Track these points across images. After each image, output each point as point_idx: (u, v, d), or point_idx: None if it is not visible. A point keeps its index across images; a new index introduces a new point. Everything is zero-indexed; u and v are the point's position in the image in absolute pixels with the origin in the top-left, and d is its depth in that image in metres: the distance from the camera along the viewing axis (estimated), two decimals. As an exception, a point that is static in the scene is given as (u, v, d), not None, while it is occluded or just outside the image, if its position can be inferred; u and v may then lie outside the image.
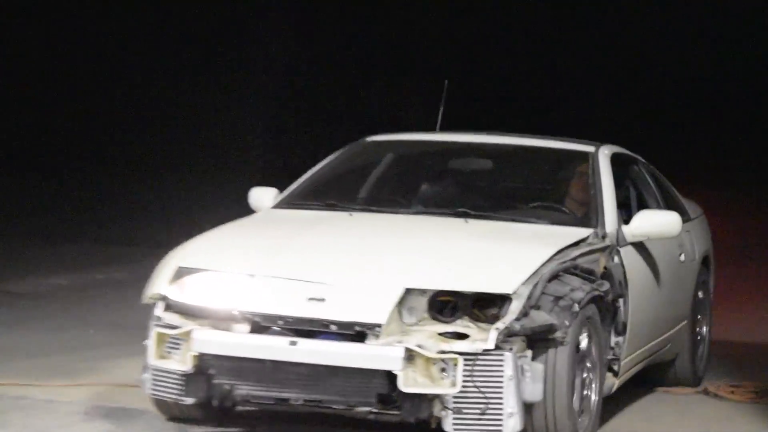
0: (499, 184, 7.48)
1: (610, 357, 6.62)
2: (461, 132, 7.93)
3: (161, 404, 6.33)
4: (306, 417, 6.27)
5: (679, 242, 7.87)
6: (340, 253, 6.20)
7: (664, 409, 7.65)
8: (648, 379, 8.11)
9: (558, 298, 5.89)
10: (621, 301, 6.61)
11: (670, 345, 7.90)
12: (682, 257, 7.86)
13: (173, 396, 6.01)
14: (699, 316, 8.43)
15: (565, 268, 6.11)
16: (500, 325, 5.68)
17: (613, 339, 6.65)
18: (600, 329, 6.30)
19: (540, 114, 20.43)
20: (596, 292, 6.18)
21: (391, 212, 6.97)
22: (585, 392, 6.19)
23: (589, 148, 7.48)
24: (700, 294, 8.40)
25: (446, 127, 8.07)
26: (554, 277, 6.01)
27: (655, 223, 6.95)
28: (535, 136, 7.81)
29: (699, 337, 8.44)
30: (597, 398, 6.32)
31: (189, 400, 5.99)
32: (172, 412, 6.39)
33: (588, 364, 6.22)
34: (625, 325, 6.67)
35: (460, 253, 6.13)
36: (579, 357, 6.09)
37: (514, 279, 5.86)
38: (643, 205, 7.89)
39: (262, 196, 7.37)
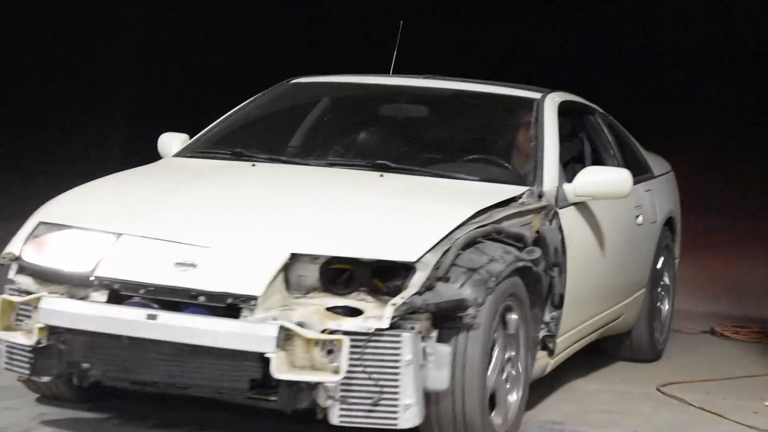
0: (432, 133, 6.34)
1: (544, 334, 5.55)
2: (398, 75, 6.80)
3: (24, 380, 5.29)
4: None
5: (637, 203, 6.77)
6: (225, 211, 5.09)
7: (671, 347, 7.51)
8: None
9: (472, 270, 4.79)
10: (556, 270, 5.53)
11: (624, 316, 6.83)
12: (639, 219, 6.76)
13: (26, 373, 4.93)
14: (661, 284, 7.37)
15: (485, 232, 5.00)
16: (398, 300, 4.58)
17: (548, 313, 5.57)
18: (527, 304, 5.21)
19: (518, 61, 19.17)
20: (521, 263, 5.08)
21: (302, 164, 5.86)
22: (507, 377, 5.11)
23: (534, 95, 6.35)
24: (662, 260, 7.32)
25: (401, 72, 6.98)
26: (471, 243, 4.92)
27: (601, 181, 5.82)
28: (480, 81, 6.69)
29: (660, 307, 7.38)
30: (523, 383, 5.24)
31: (43, 379, 4.92)
32: (39, 388, 5.36)
33: (511, 345, 5.14)
34: (561, 298, 5.58)
35: (361, 214, 5.02)
36: (500, 337, 5.02)
37: (419, 245, 4.75)
38: (599, 161, 6.83)
39: (171, 143, 6.28)
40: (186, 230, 4.90)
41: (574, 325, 5.89)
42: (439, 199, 5.28)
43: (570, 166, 6.83)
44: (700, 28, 21.57)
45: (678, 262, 7.79)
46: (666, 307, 7.48)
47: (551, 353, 5.62)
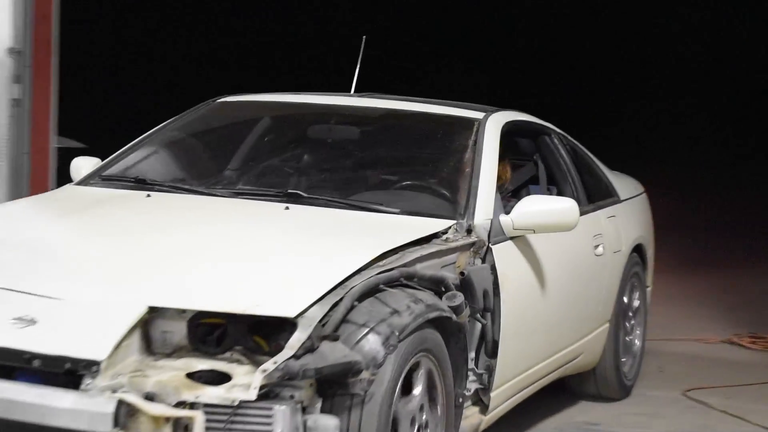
0: (361, 157, 5.24)
1: (476, 387, 4.46)
2: (332, 93, 5.72)
3: None
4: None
5: (596, 231, 5.66)
6: (87, 253, 4.02)
7: (694, 356, 7.35)
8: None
9: (369, 326, 3.70)
10: (488, 315, 4.43)
11: (584, 355, 5.71)
12: (599, 249, 5.65)
13: None
14: (629, 316, 6.25)
15: (389, 278, 3.90)
16: (269, 365, 3.49)
17: (481, 364, 4.48)
18: (445, 359, 4.11)
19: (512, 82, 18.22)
20: (435, 313, 3.98)
21: (205, 194, 4.78)
22: None
23: (476, 115, 5.25)
24: (630, 291, 6.20)
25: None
26: (372, 292, 3.83)
27: (542, 212, 4.70)
28: (422, 100, 5.60)
29: (629, 341, 6.27)
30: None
31: None
32: None
33: (425, 409, 4.03)
34: (495, 346, 4.49)
35: (241, 258, 3.94)
36: (407, 403, 3.91)
37: (301, 296, 3.66)
38: (555, 185, 5.75)
39: (81, 168, 5.24)
40: (33, 278, 3.82)
41: (515, 373, 4.79)
42: (341, 238, 4.19)
43: (525, 191, 5.77)
44: (690, 52, 20.72)
45: (650, 291, 6.68)
46: (637, 341, 6.37)
47: (485, 408, 4.53)
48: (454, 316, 4.07)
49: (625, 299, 6.12)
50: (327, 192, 4.75)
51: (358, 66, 5.99)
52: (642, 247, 6.37)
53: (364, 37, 6.17)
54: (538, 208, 4.70)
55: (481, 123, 5.12)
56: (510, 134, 5.35)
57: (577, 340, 5.53)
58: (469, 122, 5.14)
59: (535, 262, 4.84)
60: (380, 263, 3.95)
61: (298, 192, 4.62)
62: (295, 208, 4.48)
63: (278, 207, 4.49)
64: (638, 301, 6.34)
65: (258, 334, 3.66)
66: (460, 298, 4.12)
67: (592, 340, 5.73)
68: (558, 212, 4.70)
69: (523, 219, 4.67)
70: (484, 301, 4.35)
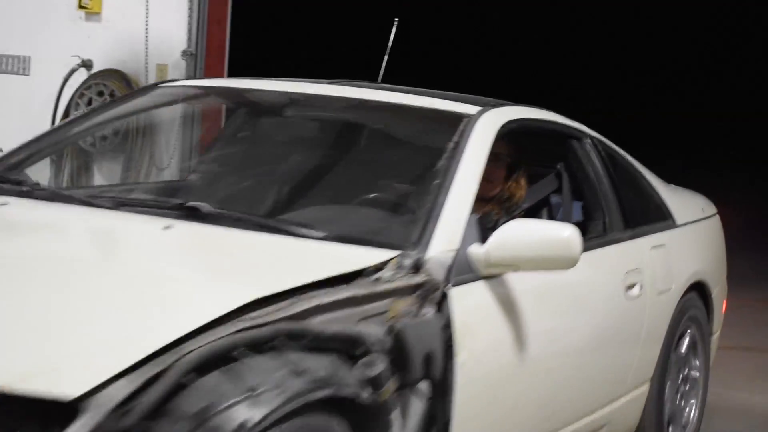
0: (309, 161, 3.98)
1: None
2: (293, 79, 4.44)
3: None
4: None
5: (631, 266, 4.30)
6: None
7: None
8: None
9: (202, 415, 2.44)
10: (434, 387, 3.12)
11: (610, 426, 4.35)
12: (635, 290, 4.27)
13: None
14: (683, 374, 4.87)
15: (257, 338, 2.62)
16: None
17: None
18: None
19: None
20: (326, 391, 2.68)
21: (83, 203, 3.56)
22: None
23: (468, 109, 3.89)
24: (686, 340, 4.83)
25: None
26: (224, 360, 2.56)
27: (527, 243, 3.35)
28: (410, 90, 4.27)
29: (679, 406, 4.89)
30: None
31: None
32: None
33: None
34: (446, 429, 3.18)
35: (40, 305, 2.68)
36: None
37: (95, 366, 2.41)
38: (587, 205, 4.43)
39: None
40: None
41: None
42: (211, 275, 2.92)
43: (545, 210, 4.45)
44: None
45: (716, 337, 5.27)
46: (691, 409, 4.97)
47: None
48: (364, 394, 2.78)
49: (678, 352, 4.75)
50: (244, 206, 3.50)
51: (387, 53, 4.76)
52: (704, 285, 4.97)
53: (396, 19, 4.95)
54: (524, 237, 3.35)
55: (471, 120, 3.78)
56: (517, 136, 4.04)
57: (597, 408, 4.17)
58: (455, 118, 3.81)
59: (519, 310, 3.49)
60: (251, 315, 2.67)
61: (197, 205, 3.37)
62: (182, 228, 3.23)
63: (156, 226, 3.24)
64: (697, 354, 4.96)
65: (54, 419, 2.42)
66: (379, 366, 2.83)
67: (623, 406, 4.38)
68: (550, 243, 3.34)
69: (502, 252, 3.33)
70: (426, 367, 3.04)
